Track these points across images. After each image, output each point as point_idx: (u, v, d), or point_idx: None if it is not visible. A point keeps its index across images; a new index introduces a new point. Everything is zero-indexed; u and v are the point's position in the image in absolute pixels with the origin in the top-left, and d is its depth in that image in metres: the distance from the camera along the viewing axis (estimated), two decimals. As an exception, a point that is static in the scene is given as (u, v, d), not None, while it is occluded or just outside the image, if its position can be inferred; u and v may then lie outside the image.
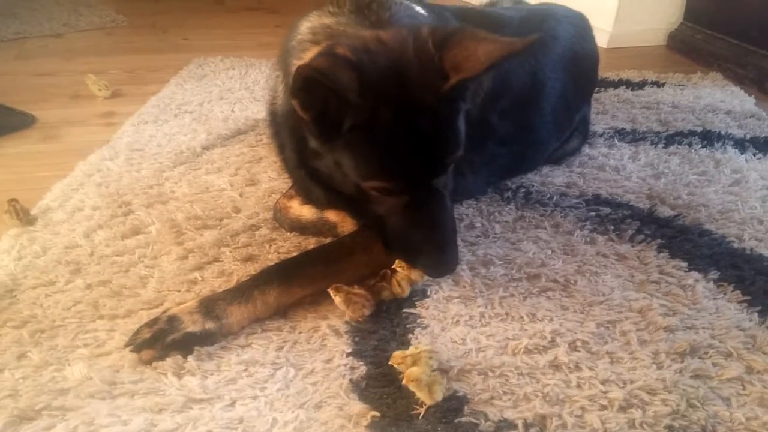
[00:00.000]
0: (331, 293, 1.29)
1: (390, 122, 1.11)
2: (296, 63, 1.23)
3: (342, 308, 1.29)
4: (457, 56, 1.11)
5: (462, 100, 1.22)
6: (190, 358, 1.18)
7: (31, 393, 1.10)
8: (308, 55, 1.21)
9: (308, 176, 1.36)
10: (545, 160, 2.02)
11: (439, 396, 1.08)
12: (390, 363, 1.15)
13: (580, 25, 2.06)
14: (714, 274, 1.44)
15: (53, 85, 2.83)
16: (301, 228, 1.62)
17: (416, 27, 1.19)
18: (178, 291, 1.40)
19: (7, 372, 1.15)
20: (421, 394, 1.08)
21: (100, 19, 4.09)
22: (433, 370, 1.12)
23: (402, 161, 1.17)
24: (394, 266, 1.37)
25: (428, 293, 1.39)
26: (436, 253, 1.27)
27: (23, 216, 1.63)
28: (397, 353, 1.16)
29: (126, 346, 1.19)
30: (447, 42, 1.13)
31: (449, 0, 4.69)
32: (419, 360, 1.12)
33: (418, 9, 1.43)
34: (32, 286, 1.40)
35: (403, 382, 1.09)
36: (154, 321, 1.22)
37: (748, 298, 1.36)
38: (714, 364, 1.17)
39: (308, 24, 1.32)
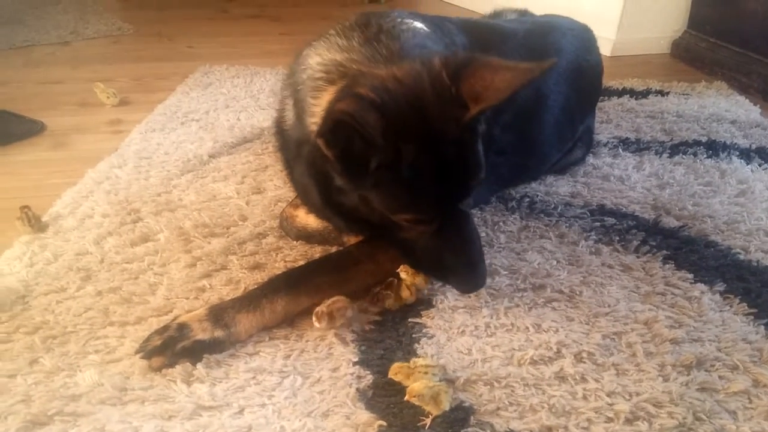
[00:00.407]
0: (315, 322, 1.28)
1: (415, 159, 1.12)
2: (313, 102, 1.25)
3: (331, 326, 1.29)
4: (474, 86, 1.12)
5: (479, 124, 1.23)
6: (199, 365, 1.19)
7: (44, 398, 1.11)
8: (325, 96, 1.22)
9: (332, 211, 1.37)
10: (549, 170, 2.03)
11: (445, 405, 1.09)
12: (389, 375, 1.17)
13: (585, 38, 2.08)
14: (720, 286, 1.44)
15: (61, 93, 2.86)
16: (307, 236, 1.63)
17: (428, 59, 1.19)
18: (187, 298, 1.41)
19: (19, 377, 1.17)
20: (426, 407, 1.09)
21: (107, 27, 4.13)
22: (439, 381, 1.13)
23: (431, 194, 1.18)
24: (398, 270, 1.38)
25: (434, 303, 1.40)
26: (468, 271, 1.30)
27: (35, 222, 1.65)
28: (395, 365, 1.17)
29: (136, 353, 1.21)
30: (461, 73, 1.13)
31: (455, 11, 4.73)
32: (414, 374, 1.13)
33: (419, 24, 1.42)
34: (44, 293, 1.41)
35: (406, 397, 1.10)
36: (164, 328, 1.24)
37: (755, 310, 1.36)
38: (720, 377, 1.18)
39: (318, 59, 1.30)
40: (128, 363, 1.20)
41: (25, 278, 1.46)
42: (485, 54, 1.26)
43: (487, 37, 1.75)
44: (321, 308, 1.28)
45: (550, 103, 1.86)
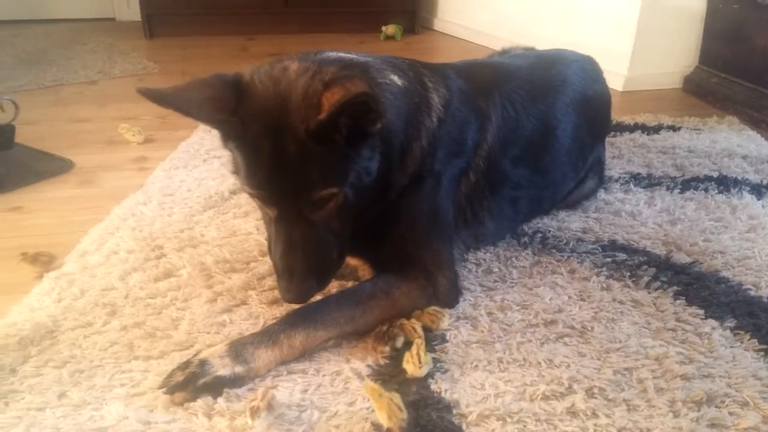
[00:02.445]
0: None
1: (258, 138, 1.29)
2: None
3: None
4: (330, 98, 1.23)
5: (352, 146, 1.32)
6: (219, 399, 1.23)
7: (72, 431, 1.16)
8: None
9: None
10: (563, 203, 2.07)
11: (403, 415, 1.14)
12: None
13: (590, 68, 2.13)
14: (730, 322, 1.46)
15: (89, 131, 2.97)
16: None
17: (324, 64, 1.35)
18: (208, 333, 1.46)
19: (48, 410, 1.21)
20: (379, 415, 1.14)
21: (133, 66, 4.28)
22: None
23: (264, 176, 1.32)
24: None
25: (448, 338, 1.43)
26: (280, 278, 1.38)
27: (48, 262, 1.71)
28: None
29: (160, 388, 1.25)
30: (333, 82, 1.26)
31: (470, 48, 4.82)
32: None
33: (391, 74, 1.52)
34: (71, 327, 1.46)
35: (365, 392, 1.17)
36: (186, 364, 1.28)
37: (765, 346, 1.37)
38: (730, 414, 1.19)
39: None
40: (152, 396, 1.25)
41: (54, 313, 1.52)
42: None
43: (489, 77, 1.82)
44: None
45: (558, 133, 1.91)
